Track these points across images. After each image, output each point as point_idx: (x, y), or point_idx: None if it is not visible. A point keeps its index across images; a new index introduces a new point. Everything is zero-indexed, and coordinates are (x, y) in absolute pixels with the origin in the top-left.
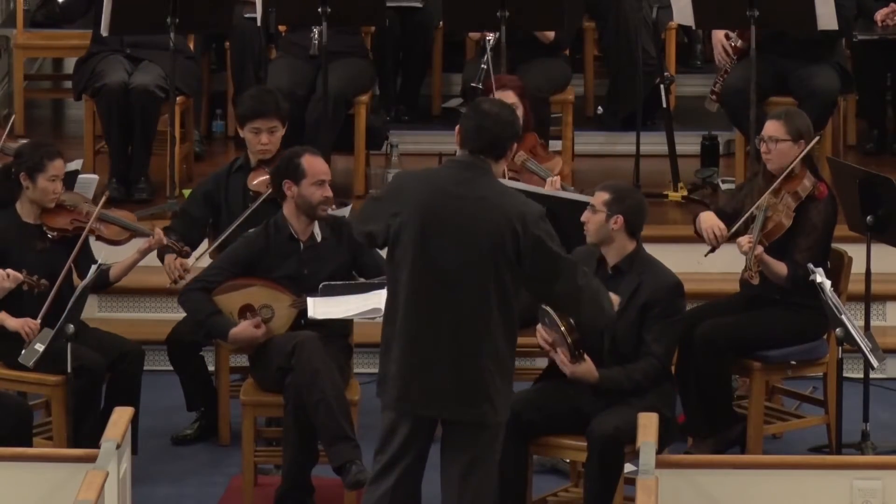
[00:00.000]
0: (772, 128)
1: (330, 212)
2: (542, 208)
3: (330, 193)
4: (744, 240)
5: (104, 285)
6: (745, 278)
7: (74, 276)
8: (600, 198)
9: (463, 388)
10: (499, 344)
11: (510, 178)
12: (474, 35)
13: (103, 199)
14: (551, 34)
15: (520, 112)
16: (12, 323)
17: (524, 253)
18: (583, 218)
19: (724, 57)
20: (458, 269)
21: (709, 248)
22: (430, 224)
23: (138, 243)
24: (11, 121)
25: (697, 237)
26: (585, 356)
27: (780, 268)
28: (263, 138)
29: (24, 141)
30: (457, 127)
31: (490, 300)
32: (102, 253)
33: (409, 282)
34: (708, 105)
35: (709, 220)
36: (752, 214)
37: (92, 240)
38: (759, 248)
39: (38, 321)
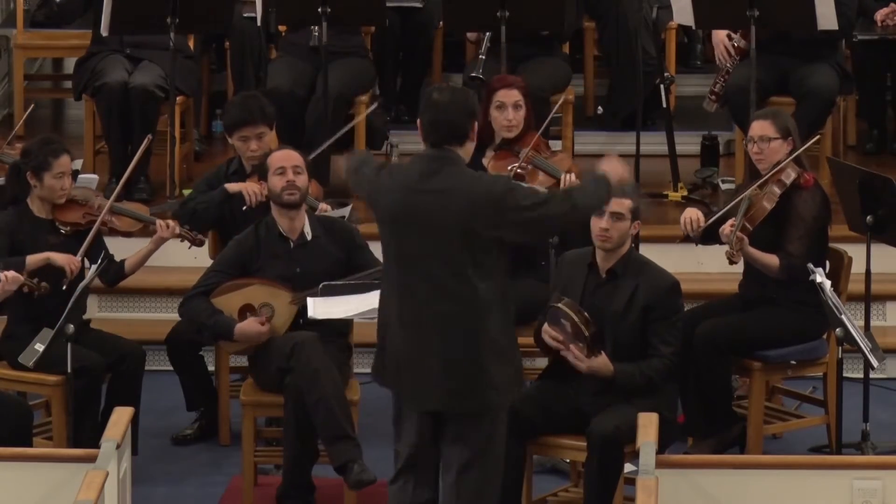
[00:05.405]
0: (760, 127)
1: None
2: (508, 181)
3: (290, 178)
4: (727, 224)
5: (119, 278)
6: (727, 256)
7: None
8: (625, 205)
9: (460, 378)
10: (490, 327)
11: (516, 175)
12: (471, 35)
13: (116, 190)
14: None
15: (523, 112)
16: (59, 258)
17: (504, 229)
18: (604, 225)
19: (725, 57)
20: (435, 263)
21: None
22: (398, 222)
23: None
24: (12, 135)
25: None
26: (601, 350)
27: (771, 259)
28: (252, 145)
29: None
30: (418, 121)
31: (472, 285)
32: (118, 247)
33: (397, 277)
34: (707, 106)
35: (688, 212)
36: (736, 203)
37: (106, 233)
38: (742, 235)
39: (80, 258)
